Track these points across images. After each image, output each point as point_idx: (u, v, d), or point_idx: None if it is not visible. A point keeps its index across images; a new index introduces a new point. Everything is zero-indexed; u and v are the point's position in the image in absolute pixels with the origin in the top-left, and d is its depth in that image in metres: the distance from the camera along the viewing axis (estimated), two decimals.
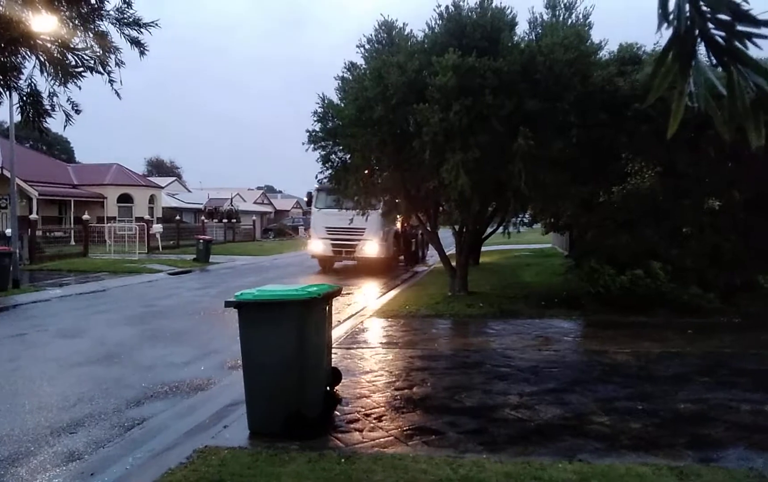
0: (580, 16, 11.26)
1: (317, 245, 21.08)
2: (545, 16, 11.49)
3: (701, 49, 1.35)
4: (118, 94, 3.83)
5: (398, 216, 18.89)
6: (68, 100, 3.06)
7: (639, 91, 10.51)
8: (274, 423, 5.03)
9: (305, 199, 25.28)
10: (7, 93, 2.68)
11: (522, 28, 11.59)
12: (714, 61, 1.33)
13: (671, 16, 1.27)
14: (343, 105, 12.17)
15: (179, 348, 9.08)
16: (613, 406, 5.65)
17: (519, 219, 18.13)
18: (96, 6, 2.74)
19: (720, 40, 1.29)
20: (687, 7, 1.24)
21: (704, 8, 1.26)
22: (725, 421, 5.22)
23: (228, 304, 5.27)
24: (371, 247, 20.15)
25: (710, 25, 1.28)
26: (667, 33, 1.36)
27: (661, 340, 8.44)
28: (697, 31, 1.27)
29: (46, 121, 2.84)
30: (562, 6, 11.39)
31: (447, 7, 11.39)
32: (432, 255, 24.39)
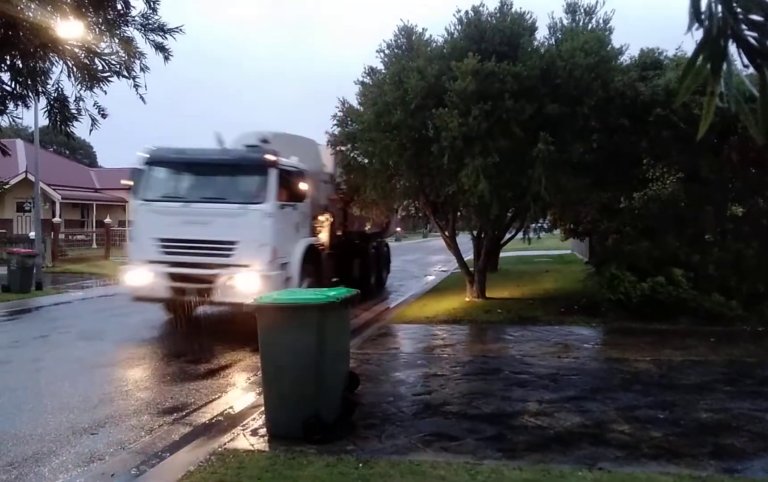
0: (600, 20, 11.21)
1: (140, 276, 10.32)
2: (565, 21, 11.45)
3: (732, 50, 1.33)
4: (142, 99, 3.90)
5: (318, 216, 12.48)
6: (94, 104, 3.13)
7: (661, 96, 10.42)
8: (292, 426, 5.05)
9: (127, 183, 11.79)
10: (36, 97, 2.74)
11: (542, 33, 11.56)
12: (746, 62, 1.31)
13: (703, 17, 1.25)
14: (362, 109, 12.22)
15: (199, 350, 9.14)
16: (633, 414, 5.58)
17: (538, 224, 17.83)
18: (122, 11, 2.79)
19: (753, 40, 1.27)
20: (719, 8, 1.22)
21: (737, 9, 1.24)
22: (749, 431, 5.12)
23: (247, 308, 5.31)
24: (249, 281, 9.67)
25: (743, 26, 1.26)
26: (692, 35, 1.34)
27: (682, 348, 8.32)
28: (729, 32, 1.25)
29: (72, 125, 2.90)
30: (582, 11, 11.35)
31: (466, 13, 11.39)
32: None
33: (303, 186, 11.27)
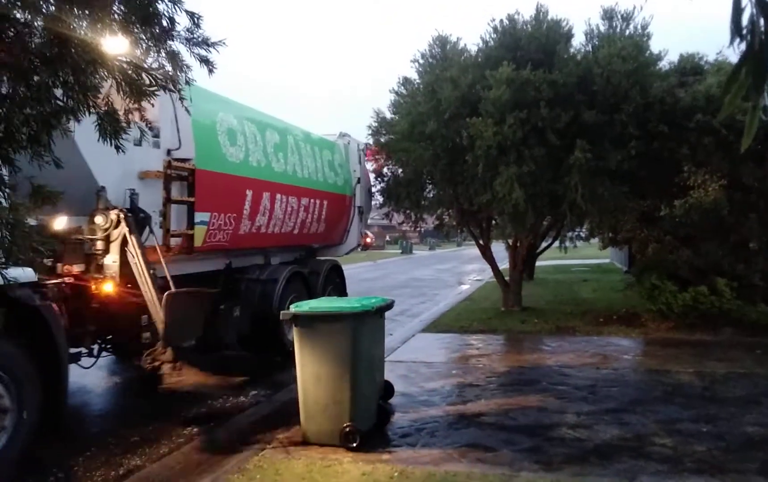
0: (639, 26, 11.01)
1: None
2: (602, 27, 11.29)
3: None
4: (188, 111, 4.06)
5: (97, 216, 5.77)
6: (142, 117, 3.25)
7: (701, 102, 10.18)
8: (328, 434, 5.10)
9: None
10: (87, 111, 2.86)
11: (578, 40, 11.42)
12: None
13: (744, 32, 1.23)
14: (396, 119, 12.27)
15: (235, 358, 9.25)
16: (675, 428, 5.45)
17: (575, 233, 17.45)
18: (167, 27, 2.89)
19: None
20: (761, 21, 1.20)
21: None
22: None
23: (284, 316, 5.39)
24: None
25: None
26: (735, 48, 1.32)
27: (726, 360, 8.09)
28: None
29: (122, 138, 3.02)
30: (620, 17, 11.17)
31: (501, 21, 11.36)
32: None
33: None
